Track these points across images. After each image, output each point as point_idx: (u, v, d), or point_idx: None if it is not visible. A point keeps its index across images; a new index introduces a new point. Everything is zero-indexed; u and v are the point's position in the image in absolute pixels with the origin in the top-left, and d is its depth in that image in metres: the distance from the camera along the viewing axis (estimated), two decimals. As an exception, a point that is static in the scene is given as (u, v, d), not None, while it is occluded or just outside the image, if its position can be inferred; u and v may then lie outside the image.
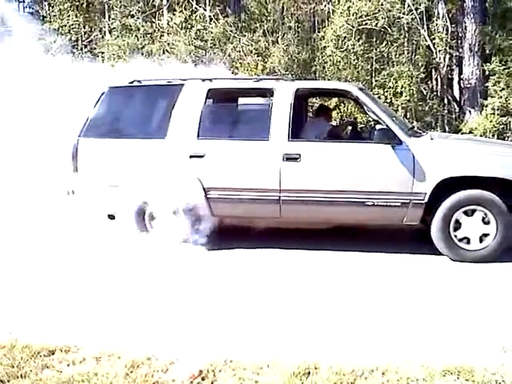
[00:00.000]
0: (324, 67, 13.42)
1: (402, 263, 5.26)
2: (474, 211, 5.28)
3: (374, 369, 3.00)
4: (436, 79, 14.71)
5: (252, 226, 6.03)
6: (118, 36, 14.50)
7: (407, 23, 12.81)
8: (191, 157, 5.76)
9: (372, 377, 2.92)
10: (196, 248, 5.56)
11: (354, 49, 12.38)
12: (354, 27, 12.22)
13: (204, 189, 5.73)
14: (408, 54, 13.08)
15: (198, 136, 5.79)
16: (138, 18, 14.54)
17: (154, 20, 14.71)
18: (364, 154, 5.51)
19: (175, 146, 5.81)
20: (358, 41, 12.66)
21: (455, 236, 5.31)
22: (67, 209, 6.22)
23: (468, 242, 5.30)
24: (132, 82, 6.68)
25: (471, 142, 6.45)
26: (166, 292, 4.43)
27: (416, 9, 12.50)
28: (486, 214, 5.24)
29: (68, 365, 3.10)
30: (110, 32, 15.61)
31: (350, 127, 6.94)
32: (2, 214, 6.29)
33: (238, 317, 3.86)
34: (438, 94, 14.23)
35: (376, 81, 12.71)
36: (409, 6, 12.79)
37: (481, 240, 5.26)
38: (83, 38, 18.54)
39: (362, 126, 7.35)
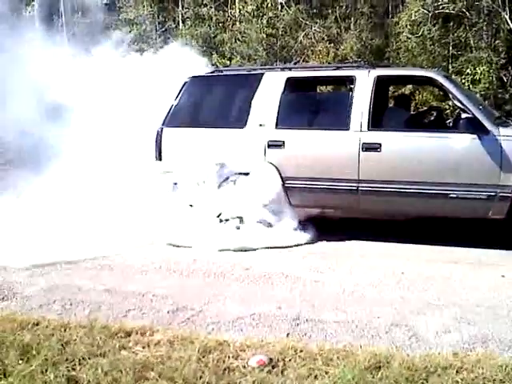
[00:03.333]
0: (398, 53, 13.11)
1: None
2: None
3: (448, 366, 2.95)
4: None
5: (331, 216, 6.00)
6: (190, 25, 14.71)
7: (487, 6, 12.26)
8: (270, 146, 5.81)
9: (445, 374, 2.87)
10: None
11: (429, 34, 12.00)
12: (429, 12, 11.83)
13: (282, 178, 5.77)
14: (488, 38, 12.54)
15: (277, 125, 5.84)
16: (210, 7, 14.68)
17: (226, 9, 14.81)
18: (448, 144, 5.34)
19: (254, 134, 5.88)
20: (434, 26, 12.26)
21: None
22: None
23: None
24: (213, 72, 6.82)
25: None
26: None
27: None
28: None
29: (143, 347, 3.23)
30: (183, 22, 15.86)
31: (433, 115, 6.74)
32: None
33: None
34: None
35: (453, 67, 12.28)
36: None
37: None
38: (157, 28, 18.99)
39: (446, 114, 7.09)
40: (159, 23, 18.81)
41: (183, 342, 3.31)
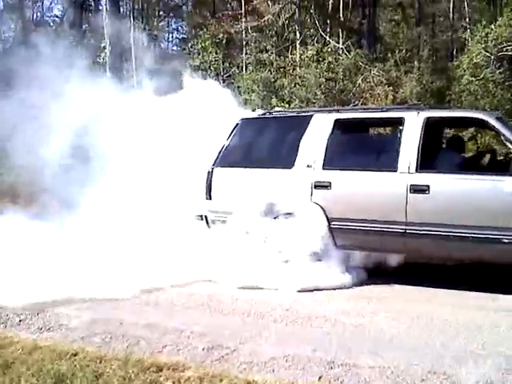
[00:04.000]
0: (460, 96, 12.89)
1: None
2: None
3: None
4: None
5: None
6: (252, 70, 15.13)
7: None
8: (316, 187, 5.83)
9: None
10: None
11: (492, 77, 11.76)
12: (492, 54, 11.63)
13: (328, 219, 5.76)
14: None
15: (324, 166, 5.86)
16: (271, 52, 15.07)
17: (287, 54, 15.15)
18: (499, 187, 5.18)
19: (301, 175, 5.92)
20: (498, 68, 12.01)
21: None
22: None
23: None
24: (264, 114, 6.97)
25: None
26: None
27: None
28: None
29: (173, 382, 3.28)
30: (245, 67, 16.35)
31: (487, 158, 6.56)
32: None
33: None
34: None
35: (515, 110, 11.95)
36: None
37: None
38: (222, 73, 19.64)
39: (502, 157, 6.86)
40: (223, 69, 19.46)
41: (212, 380, 3.34)
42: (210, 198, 6.38)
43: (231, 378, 3.30)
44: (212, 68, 19.60)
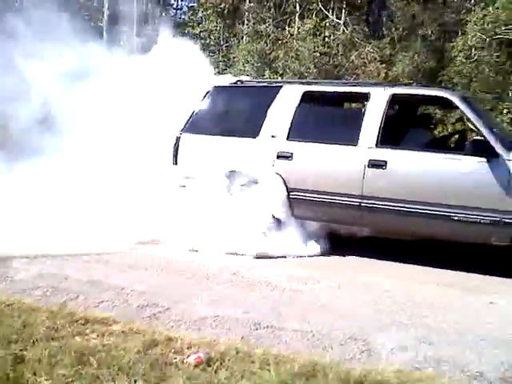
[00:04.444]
0: (453, 77, 12.78)
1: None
2: None
3: (384, 382, 2.88)
4: None
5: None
6: (248, 41, 15.04)
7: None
8: (279, 157, 5.87)
9: None
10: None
11: (486, 59, 11.64)
12: (487, 37, 11.49)
13: (287, 189, 5.80)
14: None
15: (288, 137, 5.89)
16: (269, 24, 14.95)
17: (284, 26, 15.03)
18: (454, 166, 5.20)
19: (265, 145, 5.96)
20: (494, 51, 11.87)
21: None
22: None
23: None
24: (235, 83, 6.97)
25: None
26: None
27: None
28: None
29: (98, 335, 3.34)
30: (242, 38, 16.24)
31: (451, 137, 6.56)
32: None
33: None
34: None
35: (507, 94, 11.83)
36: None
37: None
38: (222, 43, 19.52)
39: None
40: (223, 39, 19.33)
41: (135, 334, 3.41)
42: (176, 164, 6.44)
43: (153, 334, 3.39)
44: (212, 37, 19.52)
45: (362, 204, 5.49)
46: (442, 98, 5.84)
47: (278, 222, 5.86)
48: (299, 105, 5.98)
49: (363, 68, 12.54)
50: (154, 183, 6.27)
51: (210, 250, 5.60)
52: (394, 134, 5.69)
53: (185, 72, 7.27)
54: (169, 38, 8.19)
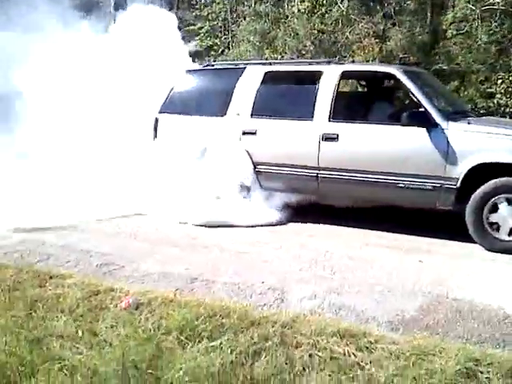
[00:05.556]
0: (449, 50, 12.95)
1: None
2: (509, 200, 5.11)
3: (278, 321, 3.45)
4: None
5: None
6: (248, 22, 15.41)
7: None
8: (244, 133, 6.38)
9: (263, 326, 3.26)
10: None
11: (476, 31, 11.80)
12: (475, 8, 11.63)
13: (253, 163, 6.32)
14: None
15: (252, 115, 6.39)
16: (269, 3, 15.28)
17: (284, 5, 15.32)
18: (398, 136, 5.62)
19: (232, 123, 6.48)
20: (482, 22, 12.00)
21: (488, 225, 5.19)
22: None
23: (507, 232, 5.12)
24: (206, 66, 7.48)
25: None
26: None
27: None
28: None
29: (56, 286, 3.99)
30: (244, 18, 16.59)
31: (401, 110, 6.81)
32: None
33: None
34: None
35: (500, 64, 11.97)
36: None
37: None
38: (229, 24, 19.86)
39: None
40: (231, 19, 19.68)
41: (84, 286, 4.04)
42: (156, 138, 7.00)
43: (97, 285, 4.01)
44: (220, 18, 19.91)
45: (319, 175, 5.97)
46: (388, 73, 6.26)
47: (246, 193, 6.39)
48: (261, 84, 6.46)
49: (358, 44, 12.81)
50: (134, 162, 6.80)
51: (180, 220, 6.15)
52: (345, 108, 6.11)
53: (152, 41, 7.54)
54: (138, 7, 8.11)
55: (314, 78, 6.22)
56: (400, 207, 5.97)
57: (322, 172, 5.96)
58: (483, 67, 12.18)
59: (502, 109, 11.73)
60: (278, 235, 5.69)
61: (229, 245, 5.26)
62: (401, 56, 12.73)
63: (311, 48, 13.26)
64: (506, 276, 4.48)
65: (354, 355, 3.13)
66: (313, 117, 6.03)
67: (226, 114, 6.56)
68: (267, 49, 14.46)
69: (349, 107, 6.25)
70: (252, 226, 6.03)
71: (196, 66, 7.46)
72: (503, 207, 5.15)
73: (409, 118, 5.53)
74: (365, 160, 5.73)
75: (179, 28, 17.11)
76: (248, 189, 6.39)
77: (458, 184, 5.29)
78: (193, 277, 4.33)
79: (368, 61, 12.47)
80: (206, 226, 5.96)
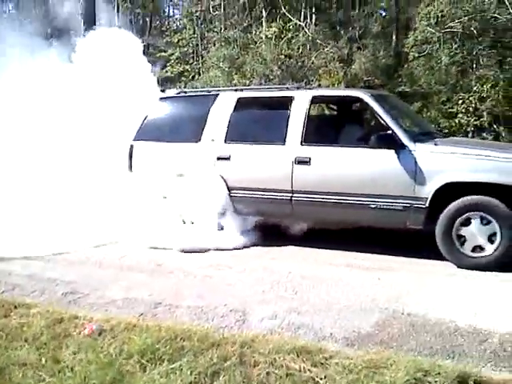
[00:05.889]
0: (412, 72, 13.39)
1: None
2: (479, 218, 5.26)
3: (236, 342, 3.57)
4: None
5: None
6: (217, 48, 15.72)
7: (498, 23, 12.32)
8: (218, 159, 6.50)
9: (222, 348, 3.33)
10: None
11: (437, 53, 12.25)
12: (435, 32, 12.10)
13: (228, 188, 6.42)
14: (499, 56, 12.57)
15: (226, 140, 6.52)
16: (237, 29, 15.62)
17: (252, 31, 15.68)
18: (368, 158, 5.77)
19: (206, 148, 6.59)
20: (443, 44, 12.48)
21: (458, 242, 5.33)
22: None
23: (472, 249, 5.29)
24: (179, 93, 7.63)
25: (479, 147, 6.06)
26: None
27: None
28: (489, 220, 5.21)
29: (20, 316, 4.04)
30: (214, 44, 16.90)
31: (370, 133, 7.05)
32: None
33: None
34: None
35: (461, 85, 12.43)
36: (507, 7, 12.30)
37: (483, 248, 5.24)
38: (200, 50, 20.15)
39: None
40: (201, 45, 19.98)
41: (49, 315, 4.09)
42: (131, 170, 7.07)
43: (62, 313, 4.08)
44: (190, 45, 20.20)
45: (293, 198, 6.08)
46: (356, 97, 6.45)
47: (220, 218, 6.41)
48: (234, 110, 6.58)
49: (324, 68, 13.18)
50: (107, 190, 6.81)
51: (152, 245, 6.23)
52: (316, 132, 6.27)
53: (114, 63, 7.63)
54: (101, 31, 8.22)
55: (285, 103, 6.35)
56: (372, 228, 6.13)
57: (295, 195, 6.06)
58: (445, 88, 12.63)
59: (464, 128, 12.16)
60: (243, 259, 5.76)
61: (193, 269, 5.34)
62: (365, 79, 13.14)
63: (278, 73, 13.59)
64: (461, 291, 4.64)
65: (310, 371, 3.25)
66: (285, 141, 6.15)
67: (200, 140, 6.65)
68: (236, 74, 14.77)
69: (320, 131, 6.41)
70: (222, 250, 6.10)
71: (169, 92, 7.56)
72: (472, 225, 5.29)
73: (377, 140, 5.68)
74: (337, 182, 5.85)
75: (150, 54, 17.36)
76: (222, 214, 6.44)
77: (427, 203, 5.42)
78: (156, 302, 4.42)
79: (334, 84, 12.86)
80: (179, 251, 6.05)
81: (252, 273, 5.25)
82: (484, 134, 11.90)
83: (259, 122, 6.74)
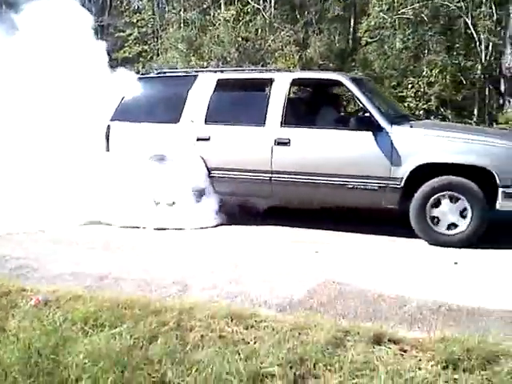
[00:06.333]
0: (366, 57, 13.74)
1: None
2: (451, 197, 5.49)
3: (175, 309, 3.82)
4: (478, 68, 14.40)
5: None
6: (175, 29, 15.74)
7: (448, 10, 12.76)
8: (198, 140, 6.58)
9: (163, 314, 3.59)
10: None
11: (388, 38, 12.62)
12: (388, 17, 12.45)
13: (208, 168, 6.53)
14: (448, 42, 13.03)
15: (206, 121, 6.61)
16: (196, 11, 15.66)
17: (210, 13, 15.74)
18: (345, 140, 5.96)
19: (186, 129, 6.67)
20: (397, 30, 12.84)
21: (431, 221, 5.56)
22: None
23: (445, 227, 5.52)
24: (159, 73, 7.69)
25: (452, 130, 6.36)
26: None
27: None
28: (458, 197, 5.44)
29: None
30: (172, 25, 16.90)
31: (348, 115, 7.18)
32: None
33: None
34: (480, 83, 13.96)
35: (411, 70, 12.85)
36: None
37: (456, 225, 5.47)
38: (159, 31, 20.05)
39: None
40: (161, 26, 19.89)
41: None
42: (109, 151, 7.06)
43: (10, 286, 4.25)
44: (149, 25, 20.08)
45: (272, 178, 6.23)
46: (335, 80, 6.63)
47: (199, 198, 6.49)
48: (214, 91, 6.64)
49: (280, 51, 13.40)
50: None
51: (129, 224, 6.32)
52: (296, 114, 6.44)
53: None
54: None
55: (265, 84, 6.50)
56: (349, 207, 6.31)
57: (275, 176, 6.20)
58: (396, 72, 13.04)
59: (413, 111, 12.60)
60: (203, 236, 6.00)
61: (145, 246, 5.57)
62: (320, 63, 13.42)
63: (236, 55, 13.73)
64: (394, 263, 5.00)
65: (241, 333, 3.53)
66: (265, 122, 6.27)
67: (179, 120, 6.69)
68: (193, 55, 14.85)
69: (299, 113, 6.57)
70: (194, 229, 6.24)
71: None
72: (444, 204, 5.53)
73: (355, 122, 5.86)
74: (316, 163, 6.00)
75: (110, 34, 17.15)
76: (202, 194, 6.52)
77: (402, 184, 5.63)
78: (103, 275, 4.63)
79: (289, 67, 13.08)
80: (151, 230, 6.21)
81: (204, 248, 5.49)
82: (432, 118, 12.35)
83: (239, 103, 6.78)
